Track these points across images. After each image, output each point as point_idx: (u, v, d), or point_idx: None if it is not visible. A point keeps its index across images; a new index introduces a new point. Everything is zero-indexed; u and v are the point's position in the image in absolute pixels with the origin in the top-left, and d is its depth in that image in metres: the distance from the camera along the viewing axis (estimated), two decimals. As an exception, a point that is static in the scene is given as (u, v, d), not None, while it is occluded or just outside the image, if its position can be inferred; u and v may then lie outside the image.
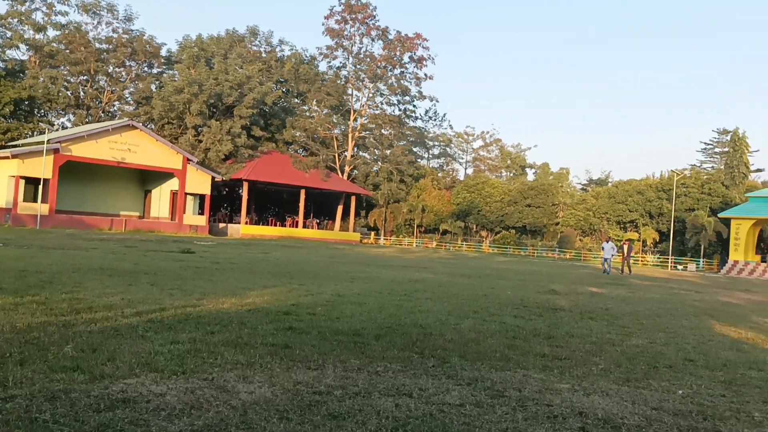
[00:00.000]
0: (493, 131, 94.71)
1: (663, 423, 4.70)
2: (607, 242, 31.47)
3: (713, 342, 9.01)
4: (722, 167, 63.31)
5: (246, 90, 56.43)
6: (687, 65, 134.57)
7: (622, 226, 57.66)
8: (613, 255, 30.62)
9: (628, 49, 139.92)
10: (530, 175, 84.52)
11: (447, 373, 5.92)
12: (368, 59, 65.51)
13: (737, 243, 45.70)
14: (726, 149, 64.91)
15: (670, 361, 7.28)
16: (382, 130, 67.50)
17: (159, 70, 63.95)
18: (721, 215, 47.52)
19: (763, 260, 46.32)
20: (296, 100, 68.99)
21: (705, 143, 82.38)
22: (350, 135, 66.89)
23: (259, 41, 68.46)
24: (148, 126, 56.61)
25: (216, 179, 52.12)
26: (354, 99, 68.24)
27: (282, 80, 66.82)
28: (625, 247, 31.97)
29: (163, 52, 63.92)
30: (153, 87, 60.68)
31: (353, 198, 63.45)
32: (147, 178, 51.78)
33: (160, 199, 52.25)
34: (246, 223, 56.64)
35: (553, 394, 5.35)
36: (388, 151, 67.63)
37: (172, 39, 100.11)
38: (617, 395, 5.47)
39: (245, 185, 56.40)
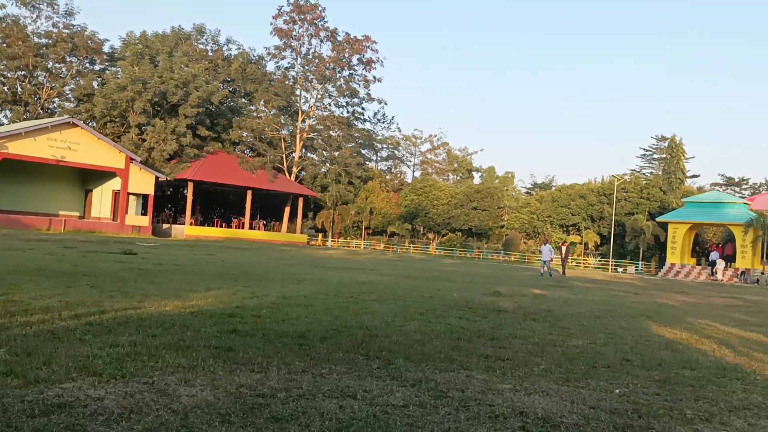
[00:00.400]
0: (440, 135, 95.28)
1: (600, 421, 4.83)
2: (545, 245, 32.01)
3: (650, 342, 9.29)
4: (660, 173, 65.30)
5: (192, 89, 55.51)
6: (628, 73, 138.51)
7: (565, 229, 58.89)
8: (551, 258, 31.17)
9: (571, 56, 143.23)
10: (477, 179, 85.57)
11: (392, 374, 5.95)
12: (317, 60, 65.29)
13: (674, 246, 47.21)
14: (664, 155, 66.98)
15: (609, 361, 7.47)
16: (331, 132, 67.35)
17: (101, 66, 62.27)
18: (659, 219, 48.99)
19: (698, 263, 47.95)
20: (243, 100, 68.21)
21: (644, 149, 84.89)
22: (298, 136, 66.50)
23: (205, 40, 67.47)
24: (90, 124, 55.05)
25: (160, 179, 51.06)
26: (302, 100, 67.93)
27: (229, 80, 65.99)
28: (563, 249, 32.49)
29: (106, 49, 62.28)
30: (95, 84, 59.02)
31: (301, 199, 63.11)
32: (88, 178, 50.38)
33: (101, 199, 50.91)
34: (191, 224, 55.69)
35: (495, 394, 5.44)
36: (336, 153, 67.50)
37: (115, 35, 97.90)
38: (557, 395, 5.59)
39: (190, 185, 55.45)
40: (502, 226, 63.88)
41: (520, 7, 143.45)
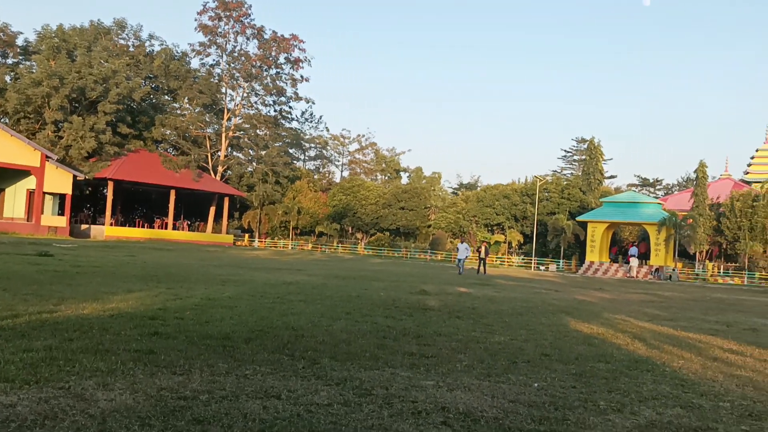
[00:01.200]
0: (368, 135, 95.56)
1: (518, 414, 4.99)
2: (462, 243, 32.41)
3: (568, 338, 9.62)
4: (580, 174, 67.53)
5: (112, 85, 53.71)
6: (551, 75, 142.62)
7: (489, 228, 60.09)
8: (467, 256, 31.41)
9: (495, 58, 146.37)
10: (404, 179, 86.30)
11: (317, 374, 5.97)
12: (243, 58, 64.36)
13: (593, 245, 48.94)
14: (583, 157, 69.29)
15: (529, 356, 7.71)
16: (257, 131, 66.51)
17: (14, 60, 59.47)
18: (578, 218, 50.66)
19: (615, 261, 49.86)
20: (166, 97, 66.52)
21: (565, 151, 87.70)
22: (224, 134, 65.39)
23: (126, 35, 65.37)
24: (2, 120, 52.55)
25: (78, 178, 49.17)
26: (228, 98, 66.83)
27: (151, 76, 64.20)
28: (483, 248, 32.98)
29: (20, 42, 59.52)
30: (8, 78, 56.29)
31: (226, 199, 62.07)
32: (0, 176, 48.06)
33: (14, 198, 48.62)
34: (111, 224, 53.92)
35: (419, 390, 5.54)
36: (263, 152, 66.69)
37: (30, 28, 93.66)
38: (478, 390, 5.74)
39: (110, 185, 53.67)
40: (429, 226, 64.64)
41: (450, 5, 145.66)
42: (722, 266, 47.48)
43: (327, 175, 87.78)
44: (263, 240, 64.79)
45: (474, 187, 77.21)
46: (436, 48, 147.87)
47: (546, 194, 58.00)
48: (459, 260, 30.69)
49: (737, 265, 46.92)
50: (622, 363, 7.62)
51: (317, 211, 67.09)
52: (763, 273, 43.89)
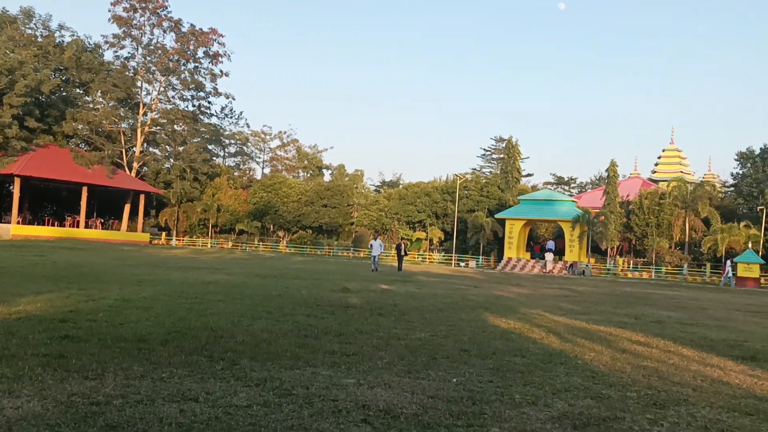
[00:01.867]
0: (290, 131, 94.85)
1: (437, 410, 5.07)
2: (375, 240, 32.40)
3: (486, 333, 9.83)
4: (499, 172, 69.13)
5: (18, 76, 51.15)
6: (471, 76, 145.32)
7: (411, 225, 60.70)
8: (381, 252, 31.20)
9: (418, 59, 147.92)
10: (327, 176, 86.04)
11: (236, 375, 5.88)
12: (159, 51, 62.62)
13: (511, 241, 50.22)
14: (502, 156, 70.95)
15: (448, 352, 7.83)
16: (175, 126, 64.89)
17: None
18: (497, 216, 51.89)
19: (532, 257, 51.34)
20: (78, 91, 63.91)
21: (484, 149, 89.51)
22: (139, 130, 63.42)
23: (34, 24, 62.45)
24: None
25: (-19, 174, 46.70)
26: (144, 92, 64.91)
27: (62, 68, 61.52)
28: (403, 246, 33.03)
29: None
30: None
31: (142, 196, 60.27)
32: None
33: None
34: (18, 222, 51.41)
35: (339, 389, 5.54)
36: (181, 148, 65.13)
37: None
38: (399, 386, 5.79)
39: (17, 181, 51.18)
40: (352, 223, 64.73)
41: (372, 5, 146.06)
42: (632, 261, 49.66)
43: (248, 172, 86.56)
44: (181, 238, 63.26)
45: (396, 185, 77.76)
46: (358, 46, 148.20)
47: (466, 192, 59.08)
48: (374, 257, 30.45)
49: (645, 260, 49.18)
50: (537, 357, 7.86)
51: (238, 209, 66.05)
52: (669, 267, 46.17)
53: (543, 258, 47.97)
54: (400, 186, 72.62)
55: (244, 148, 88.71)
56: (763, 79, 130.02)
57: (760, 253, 43.06)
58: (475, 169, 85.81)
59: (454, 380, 6.22)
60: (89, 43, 65.14)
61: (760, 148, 59.58)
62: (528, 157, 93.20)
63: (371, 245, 32.14)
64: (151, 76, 63.99)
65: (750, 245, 42.24)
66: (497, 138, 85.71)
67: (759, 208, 47.80)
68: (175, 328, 8.38)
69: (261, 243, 62.39)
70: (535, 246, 53.50)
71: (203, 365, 6.22)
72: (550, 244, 48.76)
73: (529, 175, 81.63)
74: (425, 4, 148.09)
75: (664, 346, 9.36)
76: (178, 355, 6.60)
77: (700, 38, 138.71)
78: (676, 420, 5.19)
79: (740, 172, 61.12)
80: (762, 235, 45.28)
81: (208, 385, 5.44)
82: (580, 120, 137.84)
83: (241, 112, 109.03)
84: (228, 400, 4.99)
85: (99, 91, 60.86)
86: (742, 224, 45.46)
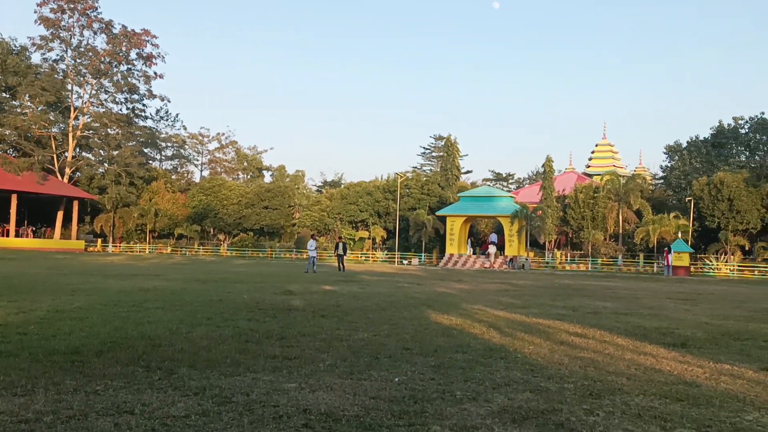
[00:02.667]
0: (228, 133, 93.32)
1: (379, 410, 5.07)
2: (312, 239, 31.80)
3: (428, 330, 9.90)
4: (439, 170, 69.77)
5: (-62, 80, 48.93)
6: (408, 73, 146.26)
7: (354, 225, 60.69)
8: (316, 251, 30.27)
9: (357, 60, 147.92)
10: (267, 178, 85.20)
11: (174, 384, 5.75)
12: (90, 53, 60.81)
13: (452, 238, 50.76)
14: (441, 154, 71.64)
15: (391, 351, 7.85)
16: (108, 130, 63.13)
17: None
18: (438, 213, 52.38)
19: (473, 252, 52.01)
20: (5, 95, 61.51)
21: (424, 148, 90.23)
22: (71, 134, 61.46)
23: (-46, 25, 59.83)
24: None
25: None
26: (75, 95, 63.01)
27: (-15, 71, 59.14)
28: (341, 245, 32.48)
29: None
30: None
31: (76, 203, 58.41)
32: None
33: None
34: (-58, 233, 49.16)
35: (280, 394, 5.49)
36: (115, 152, 63.45)
37: None
38: (341, 389, 5.77)
39: (-60, 190, 48.92)
40: (294, 225, 64.30)
41: (310, 7, 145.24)
42: (569, 254, 50.86)
43: (186, 175, 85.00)
44: (118, 245, 61.62)
45: (338, 185, 77.62)
46: (296, 47, 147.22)
47: (407, 190, 59.43)
48: (311, 257, 29.58)
49: (582, 252, 50.46)
50: (478, 352, 7.96)
51: (176, 213, 64.74)
52: (605, 259, 47.48)
53: (485, 252, 48.75)
54: (342, 186, 72.53)
55: (182, 150, 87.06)
56: (690, 75, 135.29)
57: (689, 242, 44.75)
58: (415, 167, 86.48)
59: (397, 380, 6.24)
60: (15, 45, 62.79)
61: (687, 142, 62.03)
62: (467, 155, 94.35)
63: (308, 246, 31.27)
64: (81, 78, 62.10)
65: (680, 235, 43.84)
66: (436, 136, 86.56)
67: (687, 199, 49.62)
68: (110, 338, 8.15)
69: (201, 247, 61.32)
70: (482, 245, 54.23)
71: (140, 376, 6.07)
72: (493, 237, 49.59)
73: (468, 172, 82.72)
74: (363, 5, 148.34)
75: (600, 337, 9.61)
76: (113, 367, 6.41)
77: (628, 36, 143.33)
78: (611, 409, 5.33)
79: (669, 164, 63.47)
80: (691, 225, 47.06)
81: (144, 396, 5.30)
82: (517, 117, 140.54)
83: (177, 115, 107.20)
84: (165, 410, 4.88)
85: (27, 94, 58.73)
86: (671, 215, 47.15)
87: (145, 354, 7.14)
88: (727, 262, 43.99)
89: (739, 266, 42.67)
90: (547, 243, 51.26)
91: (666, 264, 40.50)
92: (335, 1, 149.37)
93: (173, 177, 77.49)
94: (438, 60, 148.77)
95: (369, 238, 58.22)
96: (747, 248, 46.38)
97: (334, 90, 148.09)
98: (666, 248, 41.80)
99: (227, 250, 60.25)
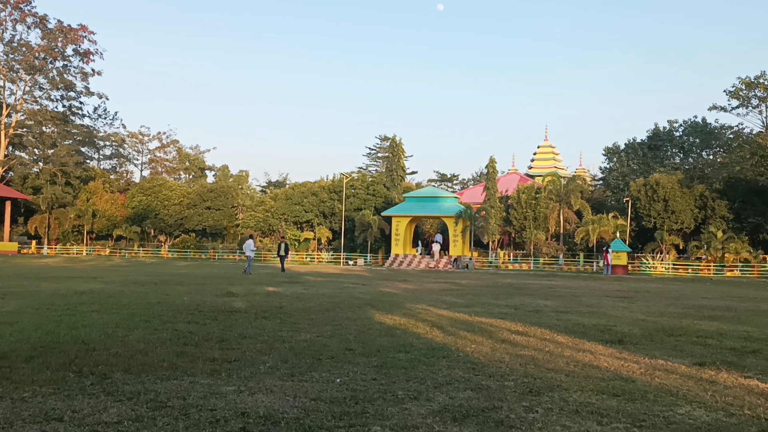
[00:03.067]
0: (170, 132, 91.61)
1: (319, 412, 5.01)
2: (249, 239, 31.03)
3: (372, 330, 9.87)
4: (384, 170, 69.94)
5: None
6: (353, 74, 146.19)
7: (299, 226, 60.26)
8: (254, 251, 29.73)
9: (303, 59, 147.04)
10: (210, 178, 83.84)
11: (106, 389, 5.56)
12: (24, 48, 58.67)
13: (397, 238, 50.91)
14: (387, 154, 71.82)
15: (333, 352, 7.79)
16: (43, 128, 61.10)
17: None
18: (384, 213, 52.45)
19: (418, 252, 52.28)
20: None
21: (370, 148, 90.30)
22: (3, 132, 59.20)
23: None
24: None
25: None
26: (7, 92, 60.68)
27: None
28: (282, 246, 31.96)
29: None
30: None
31: (8, 203, 56.23)
32: None
33: None
34: None
35: (218, 398, 5.36)
36: (50, 151, 61.45)
37: None
38: (281, 391, 5.68)
39: None
40: (238, 225, 63.41)
41: (253, 5, 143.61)
42: (512, 254, 51.63)
43: (125, 174, 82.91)
44: (53, 247, 59.63)
45: (283, 185, 76.98)
46: (238, 45, 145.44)
47: (353, 191, 59.35)
48: (249, 258, 29.05)
49: (524, 252, 51.29)
50: (420, 351, 7.96)
51: (115, 214, 63.05)
52: (547, 258, 48.40)
53: (430, 252, 49.08)
54: (287, 186, 71.94)
55: (121, 150, 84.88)
56: (628, 79, 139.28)
57: (627, 241, 46.03)
58: (361, 167, 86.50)
59: (338, 380, 6.18)
60: (-59, 39, 60.13)
61: (625, 144, 63.76)
62: (412, 156, 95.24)
63: (244, 247, 30.38)
64: (14, 74, 59.90)
65: (618, 235, 45.03)
66: (382, 137, 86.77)
67: (625, 199, 50.99)
68: (41, 342, 7.85)
69: (141, 249, 59.86)
70: (429, 245, 54.57)
71: (71, 381, 5.84)
72: (438, 237, 50.00)
73: (413, 172, 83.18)
74: (308, 4, 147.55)
75: (541, 335, 9.76)
76: (43, 372, 6.17)
77: (569, 40, 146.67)
78: (550, 405, 5.40)
79: (608, 166, 65.11)
80: (628, 225, 48.40)
81: (75, 402, 5.11)
82: (462, 119, 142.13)
83: (116, 113, 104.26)
84: (97, 417, 4.71)
85: (-46, 90, 56.35)
86: (610, 215, 48.36)
87: (77, 358, 6.89)
88: (662, 260, 45.40)
89: (673, 264, 44.10)
90: (490, 243, 51.90)
91: (606, 263, 41.53)
92: None
93: (112, 177, 75.44)
94: (383, 60, 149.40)
95: (314, 239, 57.87)
96: (681, 247, 47.95)
97: (279, 89, 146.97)
98: (605, 247, 42.84)
99: (168, 251, 58.99)
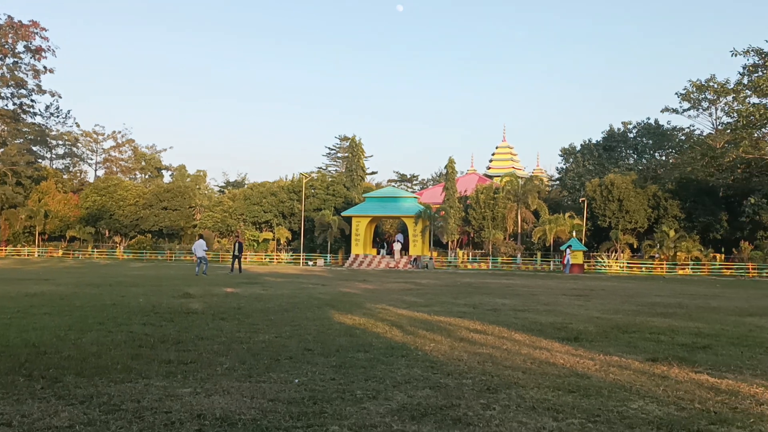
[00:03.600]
0: (125, 131, 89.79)
1: (277, 413, 4.97)
2: (199, 239, 30.35)
3: (331, 330, 9.84)
4: (344, 170, 69.83)
5: None
6: (312, 74, 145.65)
7: (258, 226, 59.74)
8: (206, 251, 28.98)
9: (255, 55, 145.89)
10: (167, 178, 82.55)
11: (58, 393, 5.43)
12: (-28, 44, 56.98)
13: (357, 238, 50.89)
14: (346, 154, 71.72)
15: (292, 353, 7.74)
16: (-7, 126, 59.35)
17: None
18: (344, 214, 52.35)
19: (378, 252, 52.33)
20: None
21: (329, 148, 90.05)
22: (-50, 130, 57.38)
23: None
24: None
25: None
26: (-46, 89, 58.73)
27: None
28: (237, 245, 31.28)
29: None
30: None
31: (-44, 204, 54.57)
32: None
33: None
34: None
35: (174, 400, 5.28)
36: (0, 150, 59.67)
37: None
38: (238, 392, 5.62)
39: None
40: (195, 226, 62.54)
41: (209, 1, 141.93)
42: (471, 253, 52.02)
43: (78, 174, 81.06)
44: (3, 248, 57.99)
45: (241, 185, 76.21)
46: (194, 42, 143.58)
47: (312, 191, 59.07)
48: (199, 259, 28.05)
49: (483, 251, 51.74)
50: (379, 351, 7.97)
51: (68, 214, 61.61)
52: (505, 257, 48.92)
53: (391, 252, 49.22)
54: (246, 186, 71.23)
55: (74, 149, 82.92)
56: (583, 81, 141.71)
57: (583, 241, 46.83)
58: (321, 167, 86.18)
59: (296, 381, 6.14)
60: None
61: (581, 145, 64.88)
62: (372, 156, 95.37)
63: (194, 247, 29.27)
64: (-39, 71, 58.10)
65: (574, 234, 45.80)
66: (341, 137, 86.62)
67: (581, 199, 51.84)
68: (-11, 347, 7.62)
69: (95, 250, 58.61)
70: (391, 245, 54.66)
71: (20, 385, 5.69)
72: (399, 237, 50.16)
73: (373, 173, 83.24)
74: (268, 4, 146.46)
75: (499, 333, 9.85)
76: (-10, 377, 5.99)
77: (526, 41, 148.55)
78: (507, 402, 5.45)
79: (564, 166, 66.17)
80: (584, 225, 49.24)
81: (24, 407, 4.97)
82: (421, 119, 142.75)
83: (69, 111, 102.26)
84: (47, 421, 4.59)
85: None
86: (567, 215, 49.15)
87: (27, 362, 6.71)
88: (617, 259, 46.30)
89: (628, 263, 45.03)
90: (449, 243, 52.22)
91: (563, 262, 42.18)
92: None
93: (65, 176, 73.68)
94: (343, 60, 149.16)
95: (273, 240, 57.43)
96: (635, 246, 48.95)
97: (237, 88, 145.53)
98: (566, 246, 43.44)
99: (124, 252, 57.89)
